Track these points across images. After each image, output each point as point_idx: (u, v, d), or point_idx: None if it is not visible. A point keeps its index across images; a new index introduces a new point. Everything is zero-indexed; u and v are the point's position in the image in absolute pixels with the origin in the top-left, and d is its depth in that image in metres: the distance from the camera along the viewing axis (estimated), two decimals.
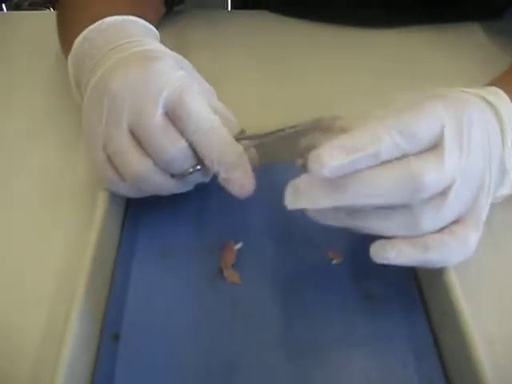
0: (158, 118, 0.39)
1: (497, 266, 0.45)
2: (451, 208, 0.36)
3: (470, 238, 0.37)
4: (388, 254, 0.36)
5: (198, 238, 0.46)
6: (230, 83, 0.49)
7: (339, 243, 0.44)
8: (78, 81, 0.49)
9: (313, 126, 0.40)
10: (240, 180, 0.41)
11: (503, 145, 0.39)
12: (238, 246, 0.44)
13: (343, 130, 0.38)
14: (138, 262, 0.44)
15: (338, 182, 0.34)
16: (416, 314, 0.41)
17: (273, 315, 0.41)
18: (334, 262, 0.44)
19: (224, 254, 0.44)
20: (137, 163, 0.40)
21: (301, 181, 0.35)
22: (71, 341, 0.35)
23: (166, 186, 0.42)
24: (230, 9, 0.97)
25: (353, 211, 0.37)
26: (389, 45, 0.70)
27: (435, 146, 0.35)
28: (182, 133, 0.40)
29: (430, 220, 0.36)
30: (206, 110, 0.40)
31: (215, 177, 0.42)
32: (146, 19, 0.50)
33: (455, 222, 0.37)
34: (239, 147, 0.41)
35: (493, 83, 0.43)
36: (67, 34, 0.53)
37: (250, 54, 0.68)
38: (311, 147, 0.34)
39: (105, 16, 0.48)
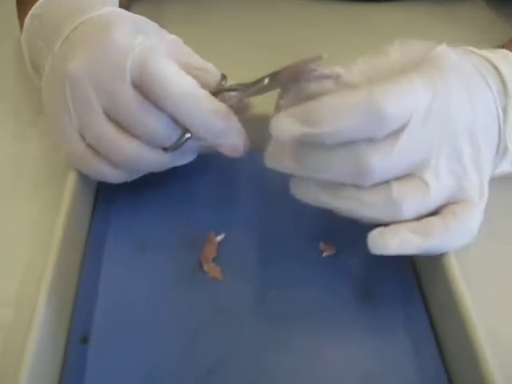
0: (129, 94, 0.37)
1: (497, 255, 0.42)
2: (436, 190, 0.35)
3: (473, 218, 0.35)
4: (388, 242, 0.34)
5: (177, 229, 0.43)
6: (212, 52, 0.44)
7: (331, 233, 0.42)
8: (34, 62, 0.47)
9: (296, 70, 0.37)
10: (231, 143, 0.39)
11: (505, 119, 0.37)
12: (220, 237, 0.42)
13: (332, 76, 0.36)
14: (110, 257, 0.41)
15: (297, 152, 0.34)
16: (415, 308, 0.39)
17: (256, 313, 0.38)
18: (325, 254, 0.41)
19: (204, 246, 0.41)
20: (126, 146, 0.38)
21: (272, 142, 0.36)
22: (34, 347, 0.32)
23: (162, 161, 0.40)
24: None
25: (326, 187, 0.35)
26: (392, 19, 0.67)
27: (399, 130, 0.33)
28: (158, 104, 0.37)
29: (411, 203, 0.34)
30: (174, 73, 0.37)
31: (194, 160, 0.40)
32: None
33: (454, 202, 0.36)
34: (222, 108, 0.38)
35: (504, 46, 0.41)
36: (20, 13, 0.51)
37: (236, 24, 0.65)
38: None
39: None
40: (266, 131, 0.34)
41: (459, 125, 0.35)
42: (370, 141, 0.33)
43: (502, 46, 0.41)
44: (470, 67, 0.37)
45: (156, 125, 0.37)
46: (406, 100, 0.32)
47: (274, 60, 0.39)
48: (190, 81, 0.38)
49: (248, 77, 0.39)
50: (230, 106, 0.38)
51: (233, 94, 0.39)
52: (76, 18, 0.41)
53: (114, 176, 0.41)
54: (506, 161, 0.39)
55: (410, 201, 0.34)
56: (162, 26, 0.43)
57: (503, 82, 0.37)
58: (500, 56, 0.39)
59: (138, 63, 0.37)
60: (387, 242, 0.34)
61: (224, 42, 0.61)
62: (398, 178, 0.34)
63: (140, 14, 0.43)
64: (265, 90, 0.38)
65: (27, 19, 0.46)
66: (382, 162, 0.33)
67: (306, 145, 0.34)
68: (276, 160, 0.36)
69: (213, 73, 0.41)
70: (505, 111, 0.37)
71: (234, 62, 0.48)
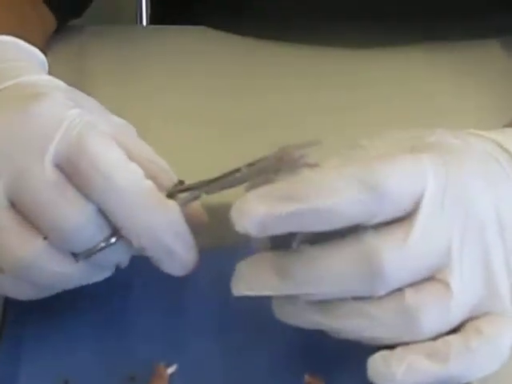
0: (47, 175, 0.32)
1: None
2: (461, 298, 0.30)
3: (504, 338, 0.31)
4: (394, 369, 0.29)
5: (112, 361, 0.34)
6: (153, 118, 0.41)
7: (319, 363, 0.34)
8: None
9: (276, 160, 0.32)
10: (177, 256, 0.34)
11: None
12: (171, 369, 0.34)
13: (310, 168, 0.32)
14: None
15: (281, 263, 0.30)
16: None
17: None
18: None
19: (151, 381, 0.33)
20: (20, 244, 0.32)
21: (245, 262, 0.32)
22: None
23: (69, 273, 0.33)
24: (145, 24, 0.92)
25: (321, 303, 0.31)
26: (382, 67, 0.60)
27: (408, 216, 0.30)
28: (85, 193, 0.32)
29: (434, 315, 0.30)
30: (118, 158, 0.33)
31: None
32: (29, 39, 0.43)
33: (478, 317, 0.31)
34: (173, 207, 0.33)
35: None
36: None
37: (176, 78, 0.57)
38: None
39: None
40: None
41: (483, 214, 0.31)
42: (377, 232, 0.29)
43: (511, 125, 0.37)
44: (482, 151, 0.33)
45: (77, 220, 0.32)
46: (412, 175, 0.30)
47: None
48: (137, 170, 0.33)
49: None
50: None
51: (189, 194, 0.34)
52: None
53: (8, 286, 0.34)
54: None
55: (431, 310, 0.30)
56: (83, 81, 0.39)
57: None
58: (510, 137, 0.35)
59: (71, 140, 0.32)
60: (393, 370, 0.29)
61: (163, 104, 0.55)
62: (413, 284, 0.30)
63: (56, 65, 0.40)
64: (238, 182, 0.33)
65: None
66: (397, 254, 0.29)
67: (290, 253, 0.30)
68: (249, 282, 0.31)
69: (165, 170, 0.36)
70: None
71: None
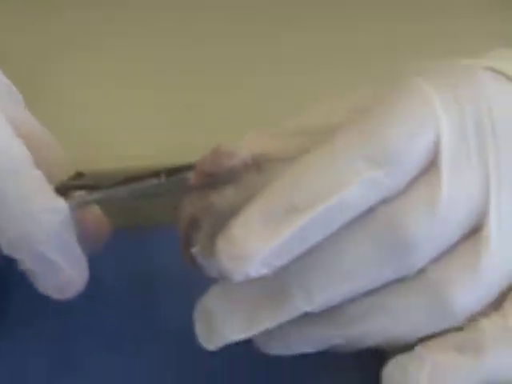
0: None
1: None
2: (497, 261, 0.25)
3: None
4: (416, 377, 0.25)
5: None
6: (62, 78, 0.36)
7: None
8: None
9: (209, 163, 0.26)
10: (58, 272, 0.27)
11: None
12: None
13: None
14: None
15: (274, 279, 0.24)
16: None
17: None
18: None
19: None
20: None
21: (214, 298, 0.26)
22: None
23: None
24: None
25: (326, 315, 0.25)
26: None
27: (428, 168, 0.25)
28: None
29: (464, 293, 0.25)
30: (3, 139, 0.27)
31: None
32: None
33: None
34: (59, 207, 0.27)
35: None
36: None
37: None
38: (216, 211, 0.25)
39: None
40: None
41: None
42: (395, 202, 0.24)
43: None
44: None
45: None
46: (419, 121, 0.25)
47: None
48: (22, 154, 0.27)
49: None
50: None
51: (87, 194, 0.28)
52: None
53: None
54: None
55: (460, 282, 0.25)
56: None
57: None
58: (501, 57, 0.30)
59: None
60: (415, 378, 0.25)
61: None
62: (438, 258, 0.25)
63: None
64: (150, 192, 0.27)
65: None
66: (426, 220, 0.24)
67: None
68: (235, 323, 0.26)
69: (61, 159, 0.30)
70: None
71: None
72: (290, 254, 0.24)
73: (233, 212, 0.23)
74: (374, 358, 0.27)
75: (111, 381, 0.29)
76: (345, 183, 0.24)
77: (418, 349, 0.25)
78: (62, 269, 0.27)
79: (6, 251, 0.26)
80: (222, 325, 0.25)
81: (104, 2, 0.48)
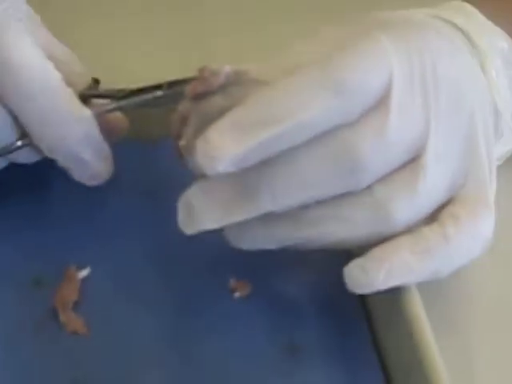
0: None
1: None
2: (432, 182, 0.30)
3: (484, 221, 0.31)
4: (374, 276, 0.29)
5: (18, 261, 0.33)
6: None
7: (245, 267, 0.33)
8: None
9: (203, 80, 0.31)
10: (89, 167, 0.33)
11: (487, 80, 0.34)
12: (84, 273, 0.33)
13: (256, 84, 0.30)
14: None
15: (244, 182, 0.29)
16: (363, 368, 0.31)
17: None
18: (237, 294, 0.33)
19: (60, 286, 0.32)
20: None
21: (193, 191, 0.30)
22: None
23: None
24: None
25: (280, 217, 0.30)
26: None
27: (381, 103, 0.29)
28: None
29: (405, 207, 0.29)
30: (35, 60, 0.32)
31: None
32: None
33: (453, 202, 0.31)
34: (87, 118, 0.33)
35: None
36: None
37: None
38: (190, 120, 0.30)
39: None
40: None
41: (461, 92, 0.31)
42: (352, 126, 0.28)
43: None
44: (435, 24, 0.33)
45: None
46: (373, 62, 0.29)
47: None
48: (55, 75, 0.32)
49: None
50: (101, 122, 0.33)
51: (104, 101, 0.34)
52: None
53: None
54: (502, 139, 0.35)
55: (400, 198, 0.29)
56: None
57: (470, 40, 0.34)
58: (453, 9, 0.36)
59: None
60: (372, 277, 0.29)
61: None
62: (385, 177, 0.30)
63: None
64: (156, 103, 0.33)
65: None
66: (377, 145, 0.28)
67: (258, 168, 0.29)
68: (210, 214, 0.29)
69: (80, 72, 0.36)
70: (484, 70, 0.34)
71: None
72: (254, 159, 0.28)
73: (214, 118, 0.28)
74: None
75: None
76: (307, 107, 0.27)
77: (375, 251, 0.29)
78: (91, 165, 0.33)
79: (47, 154, 0.33)
80: (199, 214, 0.29)
81: None
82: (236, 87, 0.29)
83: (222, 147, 0.27)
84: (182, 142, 0.30)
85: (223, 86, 0.29)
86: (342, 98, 0.28)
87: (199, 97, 0.29)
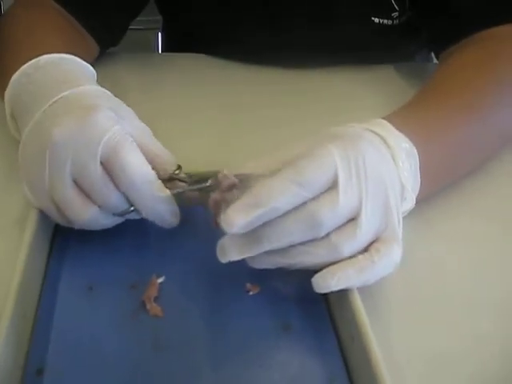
0: (96, 169, 0.42)
1: (402, 285, 0.47)
2: (365, 231, 0.40)
3: (394, 252, 0.41)
4: (329, 282, 0.40)
5: (123, 272, 0.47)
6: (165, 122, 0.52)
7: (256, 275, 0.46)
8: (13, 114, 0.51)
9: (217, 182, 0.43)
10: (167, 221, 0.46)
11: (396, 166, 0.43)
12: (161, 279, 0.46)
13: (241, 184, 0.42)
14: (63, 295, 0.45)
15: (253, 234, 0.39)
16: (328, 340, 0.43)
17: (193, 348, 0.41)
18: (251, 293, 0.45)
19: (147, 288, 0.45)
20: (84, 212, 0.43)
21: (224, 240, 0.41)
22: None
23: (109, 223, 0.46)
24: (160, 51, 0.98)
25: (279, 251, 0.40)
26: (312, 83, 0.73)
27: (333, 186, 0.39)
28: (117, 183, 0.43)
29: (349, 246, 0.40)
30: (138, 164, 0.43)
31: None
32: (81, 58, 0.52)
33: (377, 240, 0.41)
34: (167, 197, 0.44)
35: (384, 117, 0.48)
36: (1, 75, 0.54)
37: (185, 94, 0.70)
38: (220, 203, 0.42)
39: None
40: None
41: (381, 176, 0.40)
42: (315, 200, 0.38)
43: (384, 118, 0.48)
44: (369, 137, 0.43)
45: (111, 197, 0.43)
46: (326, 163, 0.39)
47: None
48: (150, 173, 0.43)
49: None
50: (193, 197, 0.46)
51: (182, 184, 0.46)
52: (64, 86, 0.45)
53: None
54: (405, 202, 0.44)
55: (347, 242, 0.39)
56: (117, 94, 0.48)
57: (385, 142, 0.44)
58: (375, 124, 0.46)
59: (110, 147, 0.42)
60: (328, 283, 0.40)
61: (174, 113, 0.66)
62: (337, 228, 0.39)
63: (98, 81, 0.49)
64: (204, 190, 0.45)
65: (15, 75, 0.49)
66: (330, 212, 0.38)
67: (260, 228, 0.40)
68: (235, 251, 0.41)
69: (169, 161, 0.46)
70: (394, 161, 0.43)
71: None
72: (255, 224, 0.38)
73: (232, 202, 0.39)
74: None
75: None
76: (281, 195, 0.38)
77: (330, 268, 0.40)
78: (168, 220, 0.46)
79: (144, 216, 0.45)
80: (228, 252, 0.40)
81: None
82: (244, 182, 0.41)
83: (233, 220, 0.38)
84: (218, 219, 0.40)
85: (233, 185, 0.41)
86: (303, 187, 0.38)
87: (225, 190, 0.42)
